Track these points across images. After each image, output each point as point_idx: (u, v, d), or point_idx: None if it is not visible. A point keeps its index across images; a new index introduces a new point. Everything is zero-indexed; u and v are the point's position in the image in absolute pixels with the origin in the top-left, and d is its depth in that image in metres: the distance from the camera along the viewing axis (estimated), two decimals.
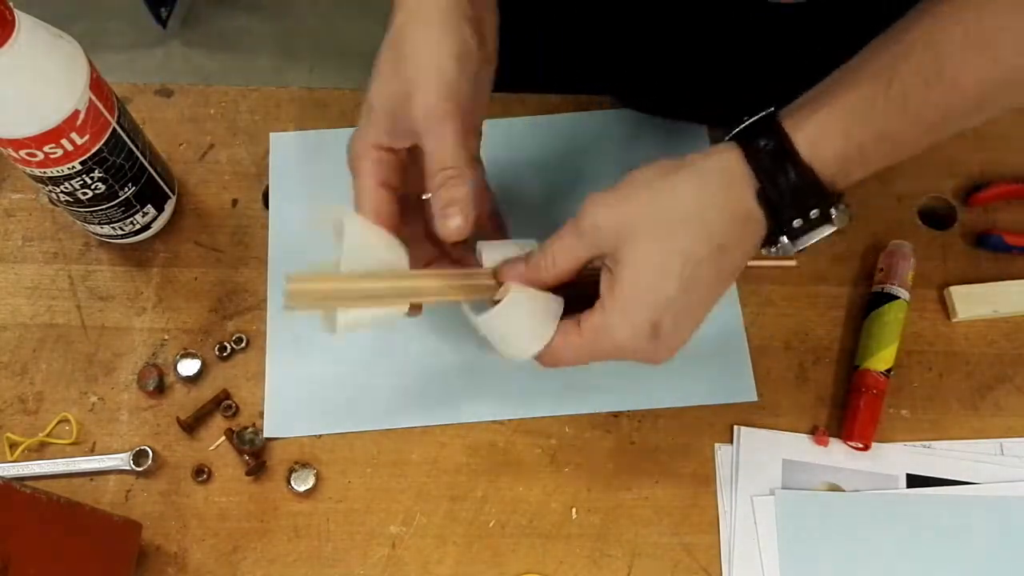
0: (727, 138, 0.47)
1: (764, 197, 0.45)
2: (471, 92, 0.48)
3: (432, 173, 0.47)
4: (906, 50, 0.44)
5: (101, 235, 0.61)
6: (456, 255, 0.53)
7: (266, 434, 0.57)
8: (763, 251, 0.48)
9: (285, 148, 0.66)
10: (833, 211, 0.46)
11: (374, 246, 0.50)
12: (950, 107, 0.45)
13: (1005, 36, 0.43)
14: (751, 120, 0.47)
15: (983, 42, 0.43)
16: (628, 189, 0.46)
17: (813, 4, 0.59)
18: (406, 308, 0.50)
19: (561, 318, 0.49)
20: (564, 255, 0.48)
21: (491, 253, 0.53)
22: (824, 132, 0.44)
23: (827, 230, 0.46)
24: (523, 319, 0.48)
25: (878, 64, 0.45)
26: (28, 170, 0.53)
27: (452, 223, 0.46)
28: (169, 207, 0.63)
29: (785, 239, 0.46)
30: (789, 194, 0.45)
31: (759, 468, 0.57)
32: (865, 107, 0.44)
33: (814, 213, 0.45)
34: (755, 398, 0.59)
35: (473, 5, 0.49)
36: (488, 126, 0.67)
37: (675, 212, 0.45)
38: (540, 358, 0.49)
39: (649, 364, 0.47)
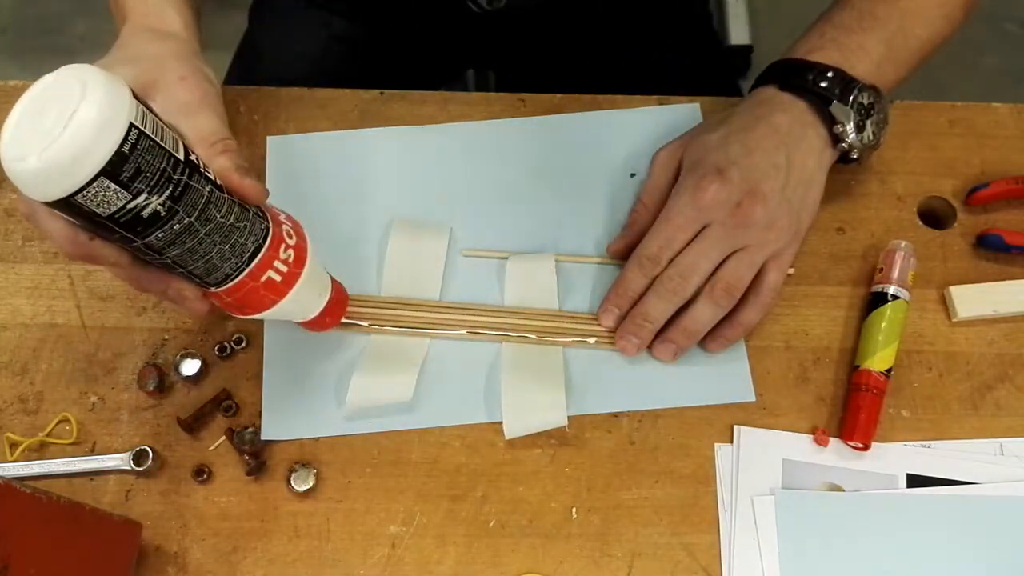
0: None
1: (790, 84, 0.59)
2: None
3: (207, 144, 0.48)
4: None
5: None
6: None
7: (264, 436, 0.57)
8: (842, 145, 0.59)
9: (282, 151, 0.66)
10: (867, 96, 0.57)
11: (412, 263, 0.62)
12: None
13: None
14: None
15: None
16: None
17: None
18: (411, 394, 0.57)
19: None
20: (646, 194, 0.62)
21: (516, 264, 0.62)
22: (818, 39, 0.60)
23: (878, 110, 0.58)
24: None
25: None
26: None
27: (250, 182, 0.47)
28: None
29: (842, 119, 0.57)
30: (815, 74, 0.58)
31: (759, 468, 0.57)
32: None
33: (858, 96, 0.57)
34: (752, 398, 0.59)
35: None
36: (489, 126, 0.68)
37: (714, 120, 0.61)
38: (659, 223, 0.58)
39: (748, 225, 0.55)
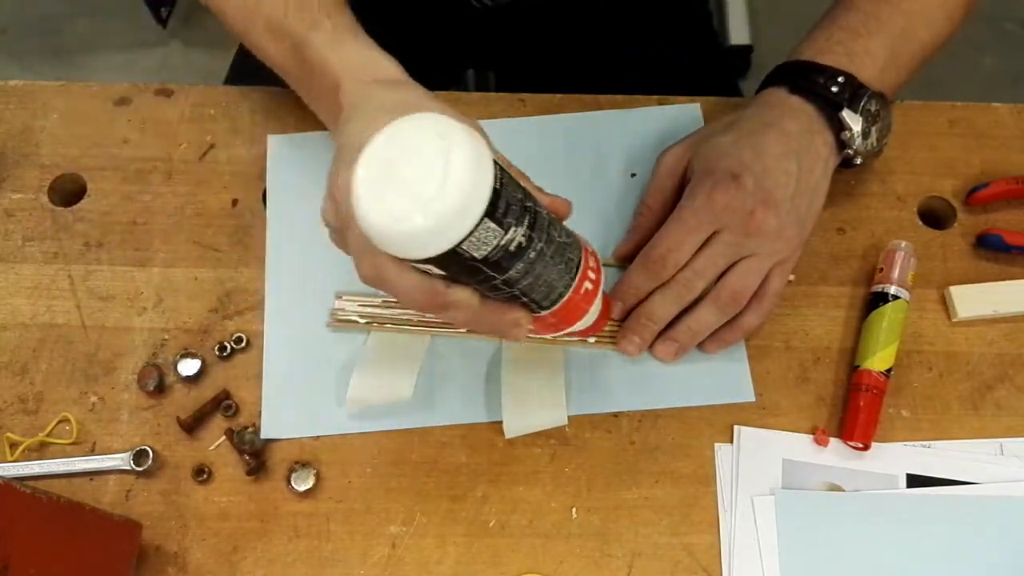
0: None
1: (799, 88, 0.58)
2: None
3: None
4: None
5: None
6: None
7: (264, 436, 0.57)
8: (848, 150, 0.59)
9: (283, 151, 0.66)
10: (874, 103, 0.57)
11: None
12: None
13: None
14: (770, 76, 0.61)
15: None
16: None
17: None
18: (410, 391, 0.56)
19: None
20: (651, 196, 0.61)
21: None
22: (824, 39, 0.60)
23: (883, 117, 0.58)
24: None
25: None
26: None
27: (560, 198, 0.50)
28: None
29: (851, 125, 0.57)
30: (824, 79, 0.57)
31: (759, 468, 0.57)
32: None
33: (866, 103, 0.57)
34: (752, 398, 0.59)
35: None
36: (488, 126, 0.68)
37: (721, 123, 0.60)
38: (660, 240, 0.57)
39: (758, 234, 0.55)
